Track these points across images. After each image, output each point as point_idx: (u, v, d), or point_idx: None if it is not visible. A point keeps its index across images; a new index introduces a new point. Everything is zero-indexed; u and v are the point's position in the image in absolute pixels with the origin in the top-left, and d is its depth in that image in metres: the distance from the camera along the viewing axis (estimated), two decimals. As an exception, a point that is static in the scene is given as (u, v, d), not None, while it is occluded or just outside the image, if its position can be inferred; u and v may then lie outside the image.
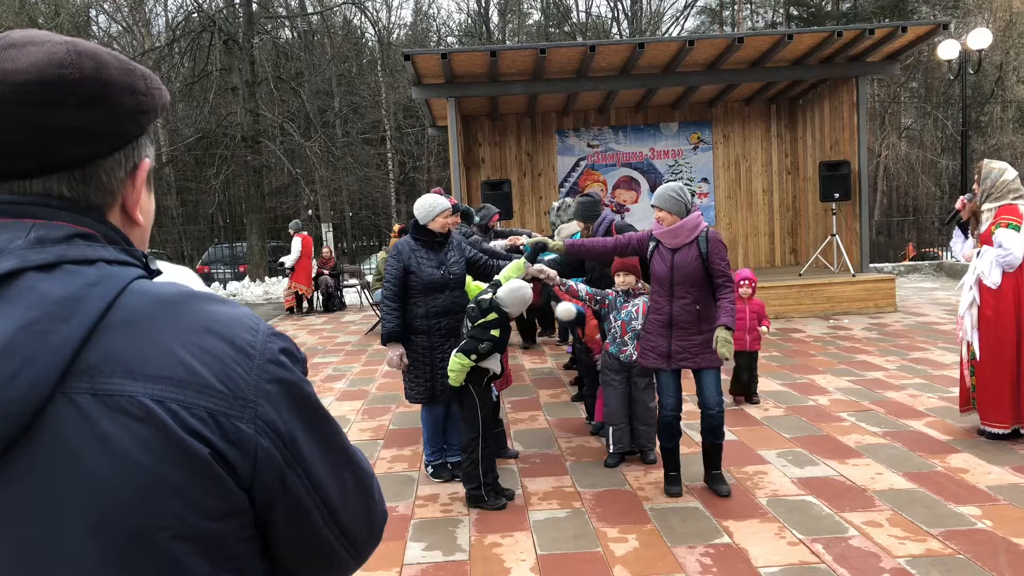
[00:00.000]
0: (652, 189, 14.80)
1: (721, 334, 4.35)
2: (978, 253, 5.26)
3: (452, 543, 4.09)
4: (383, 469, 5.41)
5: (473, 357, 4.33)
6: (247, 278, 21.61)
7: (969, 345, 5.37)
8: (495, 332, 4.36)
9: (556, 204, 7.37)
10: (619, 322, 5.13)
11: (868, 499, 4.42)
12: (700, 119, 14.72)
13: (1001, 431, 5.22)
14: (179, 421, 0.77)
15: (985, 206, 5.17)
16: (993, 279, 5.10)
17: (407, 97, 23.75)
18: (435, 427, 5.09)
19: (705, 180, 14.85)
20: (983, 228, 5.21)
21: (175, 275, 1.16)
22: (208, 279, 22.74)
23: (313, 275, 15.47)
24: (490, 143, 14.78)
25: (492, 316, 4.41)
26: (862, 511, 4.25)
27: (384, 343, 4.89)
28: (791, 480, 4.79)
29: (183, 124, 23.59)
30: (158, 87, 0.92)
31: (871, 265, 12.94)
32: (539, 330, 10.72)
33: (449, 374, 4.46)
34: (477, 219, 7.52)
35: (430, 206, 4.95)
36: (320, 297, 15.92)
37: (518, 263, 4.75)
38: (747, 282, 6.52)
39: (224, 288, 20.98)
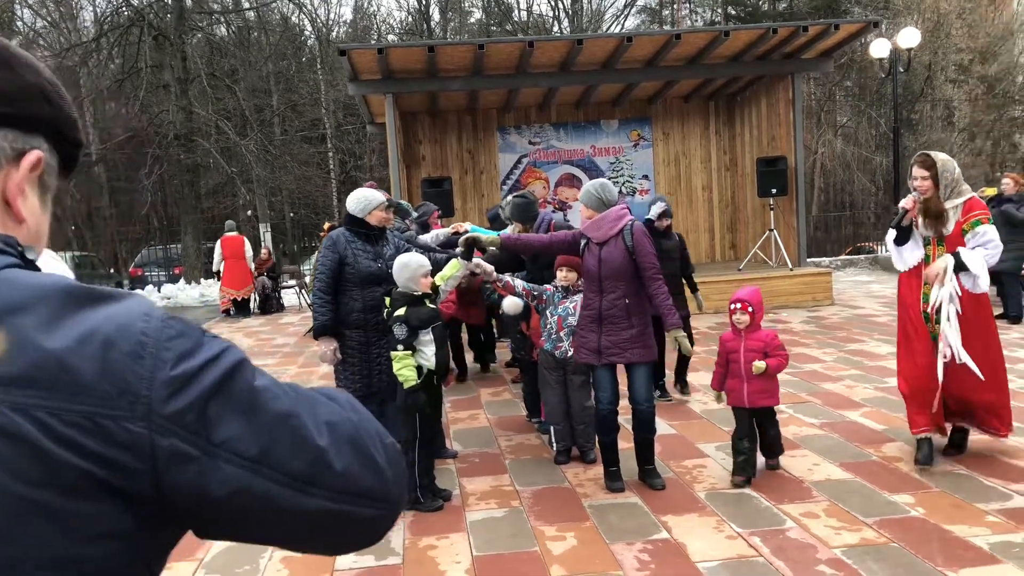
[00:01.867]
0: (594, 186, 14.82)
1: (675, 334, 4.50)
2: (957, 260, 4.48)
3: (385, 547, 3.95)
4: (317, 473, 5.24)
5: (400, 347, 4.20)
6: (182, 280, 21.05)
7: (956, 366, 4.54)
8: (400, 312, 4.25)
9: (510, 198, 7.23)
10: (555, 318, 5.06)
11: (805, 490, 4.42)
12: (640, 116, 14.78)
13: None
14: (48, 432, 0.66)
15: (949, 203, 4.55)
16: (985, 281, 4.53)
17: (347, 95, 23.46)
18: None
19: (646, 177, 14.92)
20: (950, 227, 4.55)
21: (53, 269, 1.03)
22: (142, 282, 22.11)
23: (255, 276, 15.19)
24: (430, 140, 14.62)
25: (388, 300, 4.39)
26: (799, 502, 4.24)
27: (316, 337, 4.73)
28: (730, 473, 4.76)
29: (113, 123, 22.86)
30: (67, 98, 0.89)
31: (808, 259, 13.14)
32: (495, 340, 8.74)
33: (400, 379, 4.29)
34: (415, 215, 7.37)
35: (365, 200, 4.82)
36: (257, 299, 15.59)
37: (454, 262, 4.65)
38: (741, 306, 4.57)
39: (159, 291, 20.41)
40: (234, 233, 15.05)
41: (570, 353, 5.01)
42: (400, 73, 11.78)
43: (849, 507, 4.13)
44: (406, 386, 4.23)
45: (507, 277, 5.06)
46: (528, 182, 14.76)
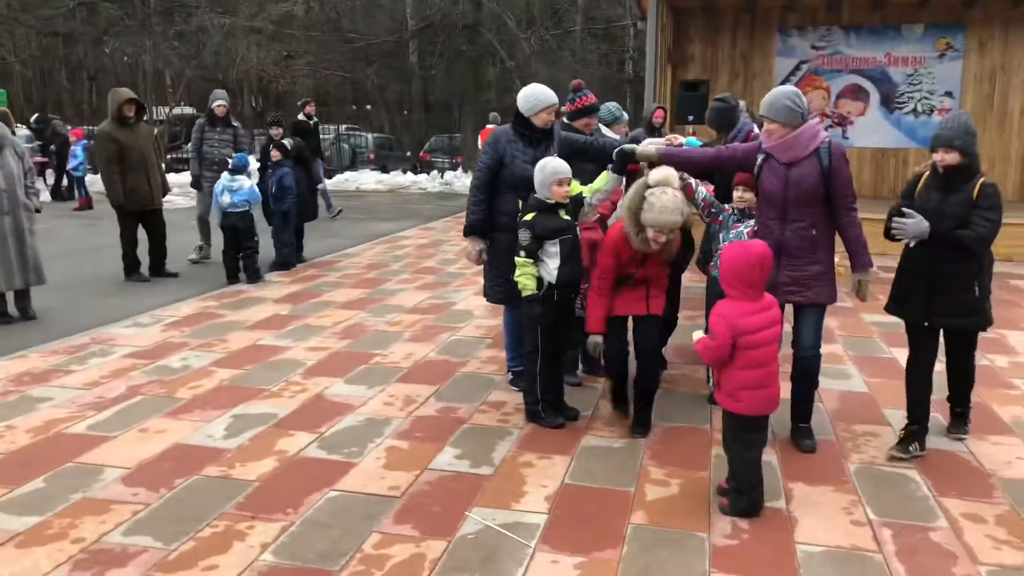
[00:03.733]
0: (883, 101, 13.15)
1: (860, 276, 3.95)
2: None
3: (486, 455, 3.89)
4: (472, 368, 5.30)
5: (522, 253, 4.01)
6: (460, 168, 22.16)
7: None
8: (527, 217, 4.02)
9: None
10: (727, 243, 4.53)
11: (987, 487, 3.64)
12: (952, 21, 12.64)
13: None
14: None
15: None
16: None
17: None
18: (516, 331, 4.85)
19: (949, 94, 12.88)
20: None
21: None
22: (428, 167, 23.60)
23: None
24: (702, 40, 13.70)
25: (520, 203, 4.14)
26: (970, 499, 3.51)
27: (466, 235, 4.67)
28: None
29: (415, 12, 24.10)
30: None
31: None
32: None
33: (519, 286, 4.14)
34: (624, 118, 6.87)
35: (535, 98, 4.53)
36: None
37: (604, 174, 4.27)
38: None
39: (442, 176, 21.69)
40: (491, 126, 15.54)
41: (740, 285, 4.48)
42: (669, -35, 11.03)
43: (1032, 519, 3.34)
44: (523, 295, 4.05)
45: (691, 178, 4.55)
46: (806, 91, 13.37)
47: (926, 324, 3.94)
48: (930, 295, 3.85)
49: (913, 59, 12.94)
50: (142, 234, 8.24)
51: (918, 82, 12.98)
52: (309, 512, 3.30)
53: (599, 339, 4.15)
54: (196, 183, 9.15)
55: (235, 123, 9.11)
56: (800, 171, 3.87)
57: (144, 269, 8.29)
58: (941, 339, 4.06)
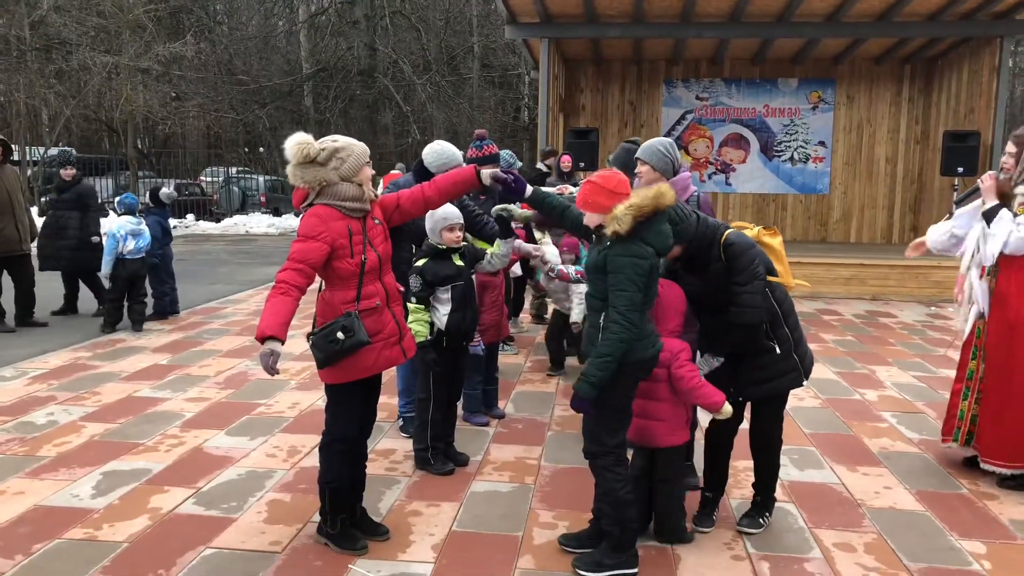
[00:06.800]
0: (763, 149, 13.84)
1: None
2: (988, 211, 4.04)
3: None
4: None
5: (412, 299, 3.99)
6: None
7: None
8: (419, 263, 4.04)
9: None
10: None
11: (857, 516, 3.80)
12: (823, 76, 13.52)
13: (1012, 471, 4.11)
14: None
15: (1020, 189, 4.07)
16: (991, 251, 4.05)
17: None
18: (410, 376, 4.79)
19: (822, 143, 13.70)
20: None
21: None
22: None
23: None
24: (592, 89, 14.16)
25: (414, 248, 4.15)
26: (841, 530, 3.65)
27: None
28: (781, 483, 4.19)
29: (310, 55, 23.97)
30: None
31: (997, 250, 11.55)
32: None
33: (410, 329, 4.10)
34: (516, 163, 7.02)
35: (445, 156, 4.54)
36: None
37: (498, 242, 4.32)
38: None
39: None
40: (395, 172, 15.48)
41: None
42: (559, 17, 11.39)
43: (898, 545, 3.49)
44: (415, 341, 4.02)
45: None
46: (691, 139, 13.99)
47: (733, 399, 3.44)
48: (731, 366, 3.46)
49: (789, 110, 13.71)
50: (7, 282, 7.77)
51: (794, 132, 13.75)
52: (183, 572, 3.13)
53: (276, 345, 2.90)
54: None
55: None
56: None
57: (9, 319, 7.80)
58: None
